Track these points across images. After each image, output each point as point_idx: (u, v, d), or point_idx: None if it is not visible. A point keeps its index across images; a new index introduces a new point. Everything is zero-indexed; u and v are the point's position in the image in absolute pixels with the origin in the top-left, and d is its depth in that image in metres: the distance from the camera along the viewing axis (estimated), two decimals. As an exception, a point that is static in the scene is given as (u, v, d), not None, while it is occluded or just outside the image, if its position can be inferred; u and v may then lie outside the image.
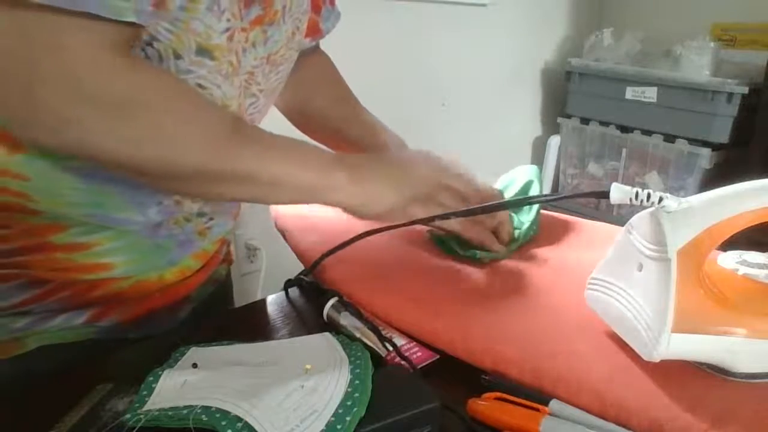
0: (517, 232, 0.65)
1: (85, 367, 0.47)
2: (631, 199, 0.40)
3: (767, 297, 0.41)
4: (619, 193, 0.40)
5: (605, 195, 0.41)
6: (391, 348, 0.46)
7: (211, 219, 0.58)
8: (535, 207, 0.68)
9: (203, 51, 0.47)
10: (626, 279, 0.43)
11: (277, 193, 0.50)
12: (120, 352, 0.51)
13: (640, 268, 0.42)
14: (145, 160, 0.43)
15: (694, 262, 0.40)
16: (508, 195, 0.69)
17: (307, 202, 0.53)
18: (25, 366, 0.51)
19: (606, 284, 0.45)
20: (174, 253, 0.56)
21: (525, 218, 0.67)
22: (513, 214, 0.67)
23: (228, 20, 0.48)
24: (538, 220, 0.68)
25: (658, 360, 0.39)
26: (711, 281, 0.41)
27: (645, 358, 0.40)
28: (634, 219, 0.44)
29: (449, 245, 0.62)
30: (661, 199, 0.40)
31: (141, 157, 0.43)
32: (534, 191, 0.70)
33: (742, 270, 0.43)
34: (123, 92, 0.41)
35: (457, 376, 0.45)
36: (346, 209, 0.54)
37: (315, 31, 0.71)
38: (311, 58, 0.74)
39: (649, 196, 0.40)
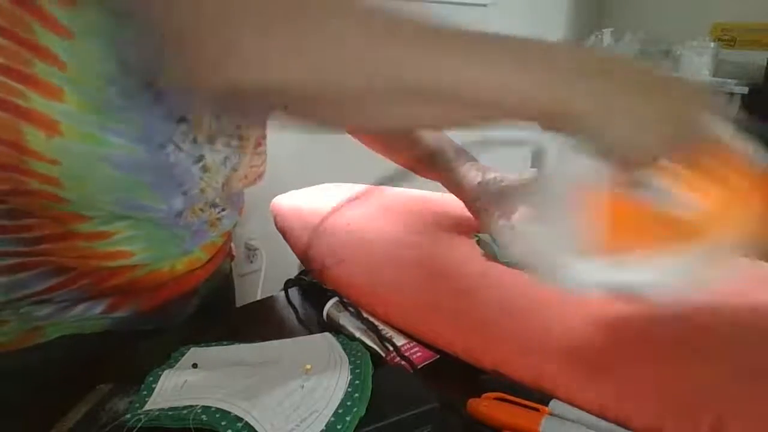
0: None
1: (87, 367, 0.47)
2: None
3: (650, 217, 0.40)
4: None
5: None
6: (391, 348, 0.46)
7: (223, 210, 0.59)
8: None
9: None
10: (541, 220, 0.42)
11: (478, 114, 0.38)
12: (120, 352, 0.51)
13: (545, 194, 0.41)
14: (318, 85, 0.36)
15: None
16: None
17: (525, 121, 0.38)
18: (44, 355, 0.52)
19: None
20: (187, 243, 0.57)
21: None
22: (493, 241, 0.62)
23: None
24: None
25: (572, 289, 0.39)
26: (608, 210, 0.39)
27: (559, 287, 0.39)
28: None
29: (491, 249, 0.60)
30: None
31: (315, 82, 0.36)
32: None
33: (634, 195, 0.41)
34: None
35: (457, 376, 0.45)
36: (578, 134, 0.38)
37: None
38: None
39: None
